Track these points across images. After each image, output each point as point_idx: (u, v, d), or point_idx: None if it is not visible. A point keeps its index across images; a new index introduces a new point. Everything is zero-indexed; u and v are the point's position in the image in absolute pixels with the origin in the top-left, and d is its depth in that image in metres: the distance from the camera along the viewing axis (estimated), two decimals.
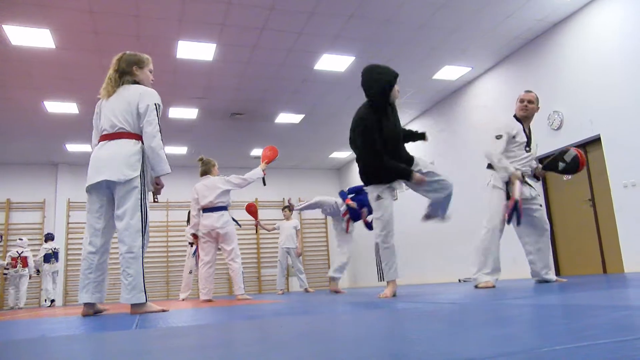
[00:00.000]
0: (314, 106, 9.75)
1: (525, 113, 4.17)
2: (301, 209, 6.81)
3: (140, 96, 3.17)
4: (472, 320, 1.51)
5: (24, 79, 7.74)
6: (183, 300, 8.22)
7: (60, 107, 8.79)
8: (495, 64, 8.33)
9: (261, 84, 8.58)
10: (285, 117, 10.26)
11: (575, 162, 4.01)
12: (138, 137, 3.16)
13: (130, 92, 3.21)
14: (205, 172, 5.88)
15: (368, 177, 3.69)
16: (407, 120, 10.77)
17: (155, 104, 3.18)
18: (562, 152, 4.14)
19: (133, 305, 3.09)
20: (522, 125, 4.16)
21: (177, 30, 6.66)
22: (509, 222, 3.90)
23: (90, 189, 3.14)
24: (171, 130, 10.37)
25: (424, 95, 9.58)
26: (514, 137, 4.10)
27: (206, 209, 5.67)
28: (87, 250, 3.11)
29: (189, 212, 7.15)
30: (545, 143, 7.18)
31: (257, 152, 12.58)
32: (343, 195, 6.40)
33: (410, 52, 7.71)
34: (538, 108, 4.26)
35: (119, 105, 3.17)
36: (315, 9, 6.37)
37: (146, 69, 3.43)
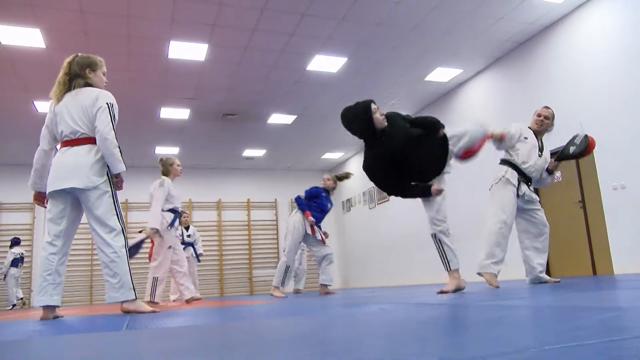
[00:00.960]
0: (306, 107, 9.76)
1: (540, 128, 4.33)
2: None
3: (94, 99, 3.16)
4: (464, 321, 1.52)
5: (14, 78, 7.67)
6: (174, 301, 8.18)
7: None
8: (486, 66, 8.38)
9: (253, 85, 8.57)
10: (278, 118, 10.26)
11: (585, 142, 4.08)
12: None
13: (85, 96, 3.19)
14: (163, 173, 5.67)
15: None
16: None
17: (107, 104, 3.16)
18: (572, 138, 4.21)
19: (124, 303, 3.08)
20: (535, 134, 4.30)
21: (168, 31, 6.64)
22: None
23: (54, 194, 3.13)
24: (163, 131, 10.33)
25: (416, 97, 9.61)
26: (525, 137, 4.22)
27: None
28: (48, 251, 3.08)
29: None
30: None
31: (248, 152, 12.56)
32: (300, 203, 6.18)
33: (402, 54, 7.73)
34: (553, 125, 4.38)
35: (76, 109, 3.16)
36: (307, 10, 6.37)
37: (99, 72, 3.37)
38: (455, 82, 9.02)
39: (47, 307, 3.06)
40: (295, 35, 6.97)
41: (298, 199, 6.25)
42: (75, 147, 3.13)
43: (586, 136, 4.10)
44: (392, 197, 11.56)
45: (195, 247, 8.97)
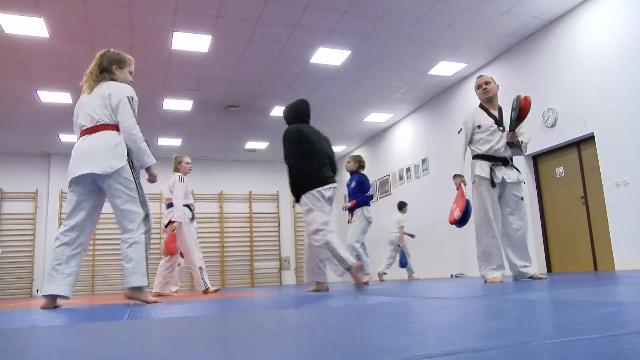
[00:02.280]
0: (308, 100, 9.71)
1: (487, 95, 4.21)
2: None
3: (111, 91, 3.17)
4: (463, 314, 1.53)
5: (17, 68, 7.67)
6: (175, 292, 8.23)
7: (54, 96, 8.73)
8: (490, 60, 8.35)
9: (256, 77, 8.55)
10: (280, 111, 10.21)
11: (518, 102, 3.98)
12: (118, 128, 3.15)
13: (102, 89, 3.20)
14: (175, 169, 6.02)
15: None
16: (401, 115, 10.77)
17: (128, 97, 3.17)
18: (512, 104, 4.10)
19: (131, 289, 3.10)
20: (488, 111, 4.18)
21: (172, 21, 6.62)
22: (460, 224, 4.00)
23: (73, 182, 3.12)
24: (165, 122, 10.33)
25: (419, 91, 9.58)
26: (479, 126, 4.14)
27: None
28: (59, 241, 3.08)
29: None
30: (540, 140, 7.22)
31: (251, 145, 12.56)
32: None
33: (405, 47, 7.70)
34: (497, 85, 4.28)
35: (96, 101, 3.17)
36: (310, 2, 6.34)
37: (126, 69, 3.39)
38: (459, 76, 8.98)
39: (49, 296, 3.06)
40: (299, 27, 6.95)
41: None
42: (93, 134, 3.12)
43: (518, 97, 4.02)
44: (394, 192, 11.56)
45: None
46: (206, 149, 12.75)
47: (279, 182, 14.12)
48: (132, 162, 3.15)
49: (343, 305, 2.27)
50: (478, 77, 4.33)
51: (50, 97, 8.74)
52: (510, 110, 4.06)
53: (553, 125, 7.03)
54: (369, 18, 6.80)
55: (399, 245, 9.16)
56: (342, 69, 8.27)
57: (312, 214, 4.19)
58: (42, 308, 3.06)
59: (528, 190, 7.48)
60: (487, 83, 4.23)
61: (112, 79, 3.30)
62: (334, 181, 4.39)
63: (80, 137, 3.20)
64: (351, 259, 4.05)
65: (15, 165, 12.02)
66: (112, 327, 1.71)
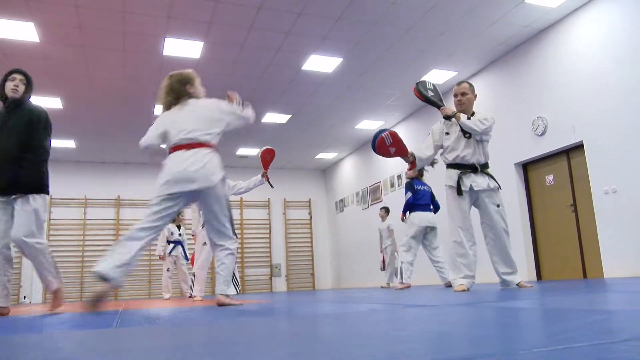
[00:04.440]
0: (301, 106, 9.75)
1: (462, 107, 4.16)
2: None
3: (213, 108, 3.50)
4: (452, 322, 1.53)
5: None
6: (168, 299, 8.18)
7: (44, 102, 8.67)
8: (481, 68, 8.41)
9: (248, 83, 8.55)
10: (272, 117, 10.24)
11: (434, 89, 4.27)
12: (212, 145, 3.33)
13: (201, 107, 3.50)
14: None
15: None
16: (393, 123, 10.81)
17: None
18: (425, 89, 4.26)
19: (223, 296, 3.31)
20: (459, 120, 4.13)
21: (164, 27, 6.61)
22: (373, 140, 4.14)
23: (172, 195, 3.15)
24: None
25: (411, 98, 9.62)
26: (447, 133, 4.16)
27: None
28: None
29: None
30: (530, 148, 7.27)
31: (242, 151, 12.54)
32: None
33: (398, 55, 7.74)
34: (475, 96, 4.23)
35: (192, 118, 3.38)
36: (303, 10, 6.37)
37: (196, 83, 3.78)
38: (450, 84, 9.03)
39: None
40: (291, 34, 6.97)
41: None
42: (192, 150, 3.22)
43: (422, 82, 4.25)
44: (385, 199, 11.58)
45: (184, 246, 8.98)
46: None
47: (270, 189, 14.08)
48: (224, 178, 3.50)
49: (333, 314, 2.26)
50: (456, 85, 4.26)
51: (40, 102, 8.64)
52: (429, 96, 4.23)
53: (543, 134, 7.09)
54: (362, 25, 6.83)
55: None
56: (334, 76, 8.29)
57: None
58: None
59: (518, 198, 7.52)
60: (463, 94, 4.17)
61: (191, 96, 3.73)
62: None
63: (174, 150, 3.39)
64: None
65: None
66: (101, 335, 1.69)
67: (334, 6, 6.32)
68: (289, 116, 10.22)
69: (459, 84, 4.25)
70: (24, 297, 10.97)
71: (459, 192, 4.01)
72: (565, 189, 6.98)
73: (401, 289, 6.44)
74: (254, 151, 12.52)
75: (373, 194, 12.25)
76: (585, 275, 6.67)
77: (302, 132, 11.27)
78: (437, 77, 8.64)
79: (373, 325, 1.57)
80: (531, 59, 7.38)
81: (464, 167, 4.07)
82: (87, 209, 12.24)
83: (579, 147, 6.66)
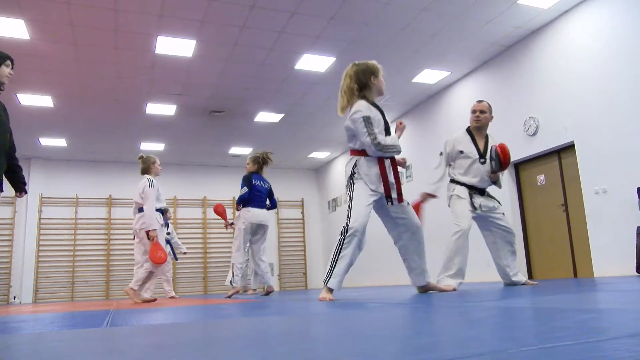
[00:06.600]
0: (293, 106, 9.74)
1: (478, 124, 4.21)
2: None
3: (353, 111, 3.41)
4: (442, 321, 1.53)
5: None
6: (156, 300, 8.13)
7: (34, 100, 8.61)
8: (473, 69, 8.44)
9: (241, 82, 8.53)
10: (265, 116, 10.23)
11: (496, 153, 4.00)
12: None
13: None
14: (143, 171, 5.50)
15: None
16: None
17: (362, 117, 3.41)
18: (490, 153, 4.14)
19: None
20: (474, 138, 4.20)
21: (156, 25, 6.58)
22: None
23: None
24: (148, 127, 10.24)
25: (403, 98, 9.65)
26: (461, 151, 4.17)
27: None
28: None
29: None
30: (521, 148, 7.31)
31: (235, 150, 12.51)
32: None
33: (390, 55, 7.75)
34: (492, 117, 4.28)
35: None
36: (296, 9, 6.36)
37: (380, 76, 3.74)
38: (442, 85, 9.07)
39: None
40: (284, 33, 6.96)
41: None
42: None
43: (495, 148, 4.04)
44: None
45: (173, 245, 8.92)
46: (190, 154, 12.67)
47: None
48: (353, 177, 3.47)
49: (325, 312, 2.27)
50: (477, 102, 4.31)
51: (31, 100, 8.60)
52: (491, 158, 4.09)
53: (534, 134, 7.13)
54: (355, 25, 6.83)
55: None
56: (328, 76, 8.29)
57: None
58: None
59: (510, 198, 7.56)
60: (482, 112, 4.21)
61: (364, 95, 3.62)
62: None
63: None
64: None
65: None
66: (91, 335, 1.68)
67: (327, 6, 6.32)
68: (281, 115, 10.21)
69: (480, 101, 4.31)
70: (14, 297, 10.88)
71: (474, 207, 4.09)
72: (557, 188, 7.03)
73: (230, 295, 6.10)
74: (246, 150, 12.49)
75: None
76: (575, 275, 6.71)
77: (294, 131, 11.26)
78: (430, 77, 8.67)
79: (363, 325, 1.57)
80: (523, 59, 7.42)
81: (473, 188, 4.17)
82: (78, 208, 12.16)
83: (570, 148, 6.70)
